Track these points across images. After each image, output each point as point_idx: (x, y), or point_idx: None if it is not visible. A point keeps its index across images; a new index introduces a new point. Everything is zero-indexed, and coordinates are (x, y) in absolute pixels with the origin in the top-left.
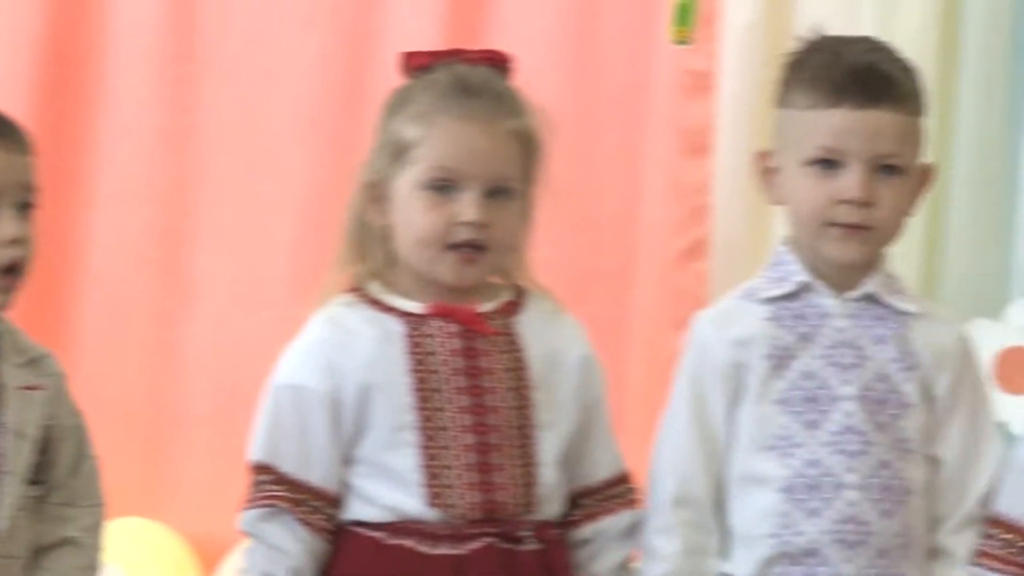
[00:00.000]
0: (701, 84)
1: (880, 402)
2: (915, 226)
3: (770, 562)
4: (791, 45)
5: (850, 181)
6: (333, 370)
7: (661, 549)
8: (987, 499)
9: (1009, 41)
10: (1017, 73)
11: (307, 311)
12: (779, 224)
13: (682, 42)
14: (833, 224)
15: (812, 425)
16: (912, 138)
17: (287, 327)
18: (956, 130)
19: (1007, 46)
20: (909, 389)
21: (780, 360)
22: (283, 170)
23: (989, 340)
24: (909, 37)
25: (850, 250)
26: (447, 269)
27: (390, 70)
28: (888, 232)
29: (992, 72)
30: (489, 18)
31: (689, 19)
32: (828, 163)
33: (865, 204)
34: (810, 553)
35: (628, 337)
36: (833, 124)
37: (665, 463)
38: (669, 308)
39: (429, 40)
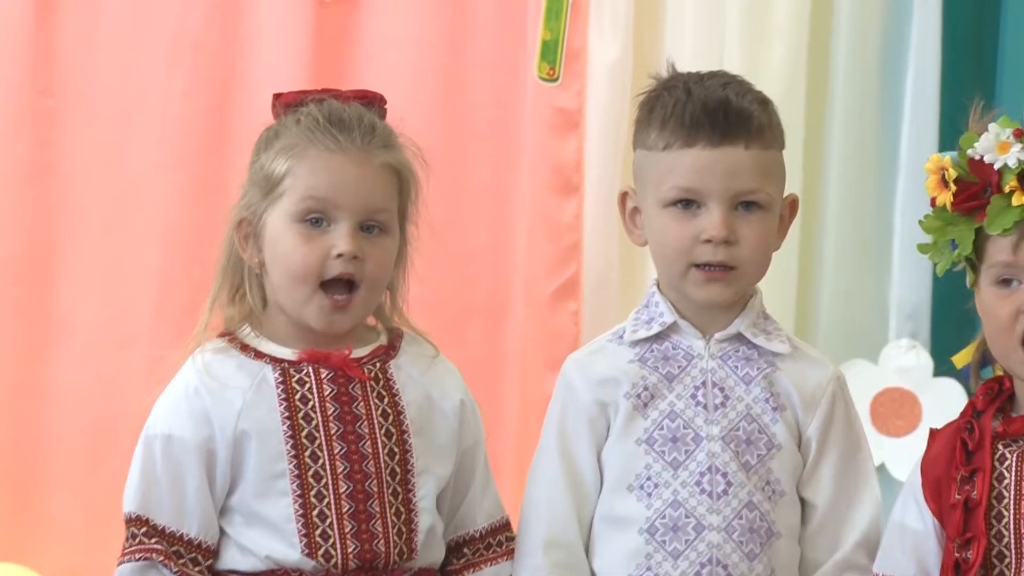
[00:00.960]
0: (569, 122)
1: (747, 442)
2: (788, 265)
3: None
4: (647, 84)
5: (709, 220)
6: (206, 420)
7: None
8: (867, 545)
9: (879, 74)
10: (888, 104)
11: (175, 350)
12: (652, 262)
13: (549, 79)
14: (696, 265)
15: (675, 465)
16: (771, 172)
17: (154, 365)
18: (827, 164)
19: (877, 79)
20: (778, 430)
21: (643, 400)
22: (147, 206)
23: (866, 382)
24: (778, 70)
25: (714, 292)
26: (316, 314)
27: (255, 108)
28: (753, 270)
29: (863, 105)
30: (354, 54)
31: (555, 56)
32: (687, 203)
33: (726, 242)
34: None
35: (502, 377)
36: (688, 164)
37: (535, 505)
38: (543, 348)
39: (294, 77)
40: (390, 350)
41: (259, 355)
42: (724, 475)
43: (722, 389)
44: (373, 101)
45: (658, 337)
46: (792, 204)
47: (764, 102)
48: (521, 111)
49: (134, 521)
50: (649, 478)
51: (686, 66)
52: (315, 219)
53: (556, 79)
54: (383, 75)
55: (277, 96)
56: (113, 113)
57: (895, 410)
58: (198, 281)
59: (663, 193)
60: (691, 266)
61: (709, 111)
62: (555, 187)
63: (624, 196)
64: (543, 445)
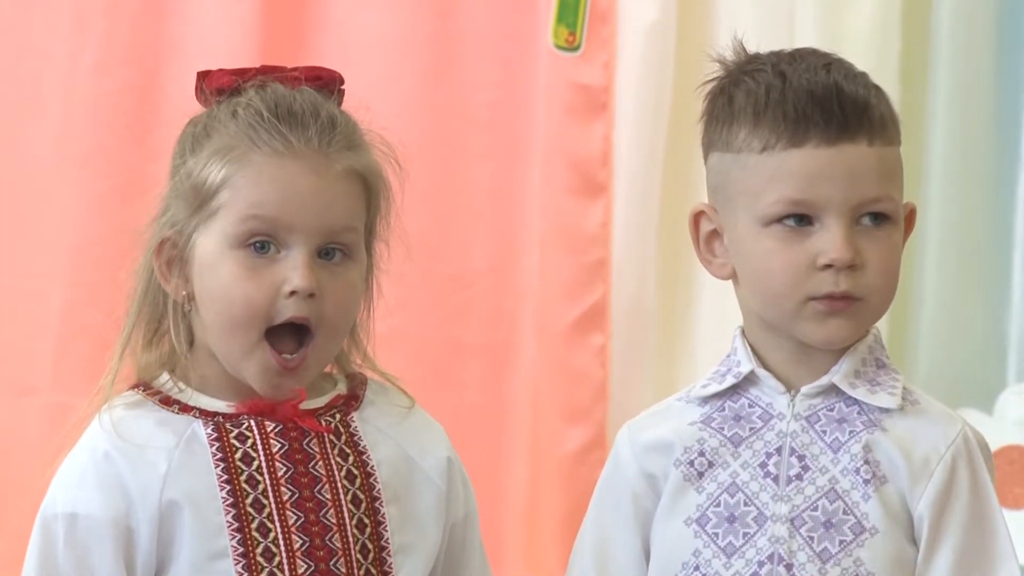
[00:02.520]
0: (594, 103)
1: (827, 525)
2: None
3: None
4: (710, 66)
5: (829, 240)
6: (121, 490)
7: None
8: None
9: (994, 42)
10: (1006, 82)
11: (84, 397)
12: (701, 283)
13: (568, 48)
14: (815, 298)
15: (730, 552)
16: (896, 174)
17: (59, 416)
18: (928, 160)
19: (992, 49)
20: (870, 509)
21: (697, 468)
22: (47, 216)
23: None
24: (864, 38)
25: (833, 329)
26: (258, 374)
27: (188, 86)
28: (880, 301)
29: (974, 83)
30: (315, 18)
31: (575, 18)
32: (797, 219)
33: (852, 266)
34: None
35: (506, 433)
36: (798, 168)
37: None
38: (560, 395)
39: (238, 47)
40: (351, 400)
41: (184, 408)
42: (788, 567)
43: (801, 458)
44: (329, 82)
45: (733, 392)
46: (911, 215)
47: (877, 88)
48: (532, 90)
49: None
50: (697, 568)
51: (745, 32)
52: (261, 244)
53: (577, 48)
54: (353, 45)
55: (204, 77)
56: (1, 97)
57: (1016, 474)
58: (115, 311)
59: (764, 208)
60: (808, 300)
61: (818, 99)
62: (576, 187)
63: (699, 216)
64: (581, 531)
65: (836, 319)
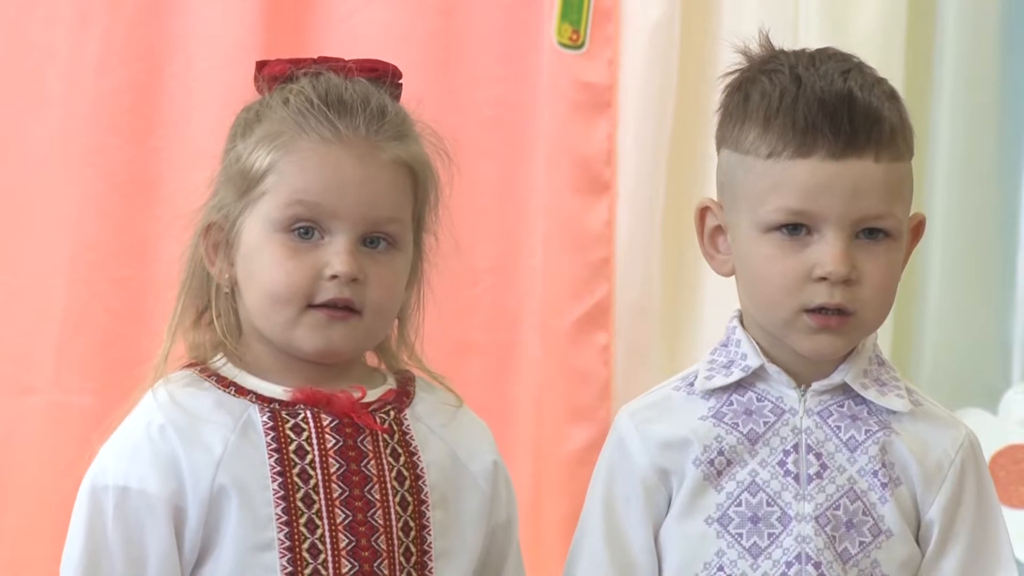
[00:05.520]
0: (598, 101)
1: (848, 526)
2: None
3: None
4: (713, 65)
5: (827, 252)
6: (175, 468)
7: None
8: None
9: (999, 40)
10: (1012, 81)
11: (79, 401)
12: (705, 282)
13: (571, 46)
14: (808, 310)
15: (755, 552)
16: (903, 190)
17: (55, 417)
18: (932, 160)
19: (997, 47)
20: (887, 512)
21: (717, 467)
22: (49, 214)
23: (982, 437)
24: (868, 37)
25: (823, 344)
26: (309, 333)
27: (189, 85)
28: (874, 316)
29: (979, 83)
30: (319, 16)
31: (579, 16)
32: (795, 228)
33: (847, 281)
34: None
35: (510, 433)
36: (802, 179)
37: None
38: (563, 394)
39: (240, 44)
40: (403, 396)
41: (241, 391)
42: (817, 565)
43: (819, 455)
44: (384, 75)
45: (739, 386)
46: (918, 226)
47: (893, 96)
48: (535, 88)
49: None
50: (721, 568)
51: (749, 31)
52: (304, 229)
53: (581, 45)
54: (355, 41)
55: (261, 65)
56: (2, 94)
57: (1021, 473)
58: (117, 308)
59: (765, 215)
60: (801, 311)
61: (829, 109)
62: (579, 185)
63: (705, 211)
64: (585, 524)
65: (825, 335)
